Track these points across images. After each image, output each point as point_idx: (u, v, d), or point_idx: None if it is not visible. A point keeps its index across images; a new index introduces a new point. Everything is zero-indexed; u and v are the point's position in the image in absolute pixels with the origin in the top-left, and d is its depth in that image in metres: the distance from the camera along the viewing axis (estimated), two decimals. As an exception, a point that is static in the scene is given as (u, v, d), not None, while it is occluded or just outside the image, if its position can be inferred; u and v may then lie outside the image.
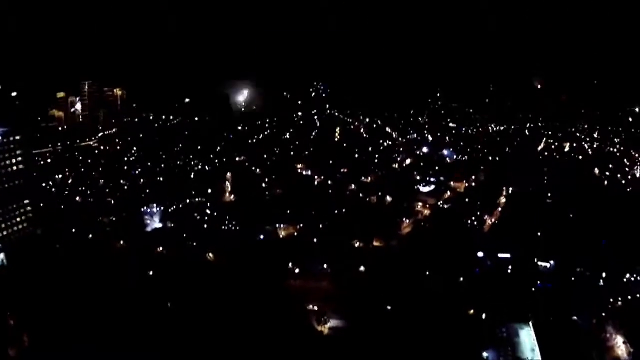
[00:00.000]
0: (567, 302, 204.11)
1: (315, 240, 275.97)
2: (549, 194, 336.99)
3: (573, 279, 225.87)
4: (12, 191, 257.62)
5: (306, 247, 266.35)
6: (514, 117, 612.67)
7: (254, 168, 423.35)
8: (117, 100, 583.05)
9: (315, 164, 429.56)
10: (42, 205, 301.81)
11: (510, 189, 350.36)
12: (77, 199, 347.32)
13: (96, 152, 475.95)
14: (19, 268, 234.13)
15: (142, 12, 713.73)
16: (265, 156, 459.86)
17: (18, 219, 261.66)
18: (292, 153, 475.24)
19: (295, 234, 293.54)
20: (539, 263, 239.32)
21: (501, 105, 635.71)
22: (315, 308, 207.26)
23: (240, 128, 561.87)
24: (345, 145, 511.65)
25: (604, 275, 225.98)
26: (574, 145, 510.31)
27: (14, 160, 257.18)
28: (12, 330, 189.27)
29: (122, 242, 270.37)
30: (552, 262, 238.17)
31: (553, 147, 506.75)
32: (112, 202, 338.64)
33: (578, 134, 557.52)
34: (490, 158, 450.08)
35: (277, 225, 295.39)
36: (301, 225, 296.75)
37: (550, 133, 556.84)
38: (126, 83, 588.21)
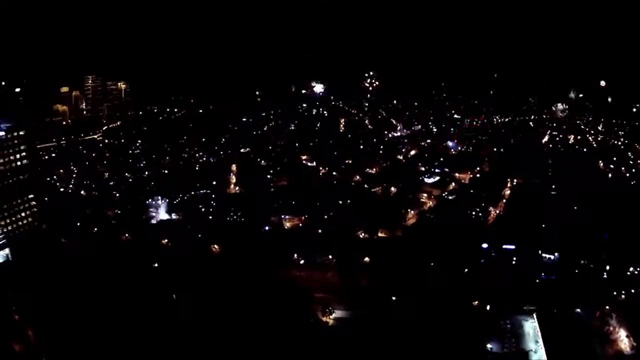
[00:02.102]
0: (571, 294, 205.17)
1: (320, 231, 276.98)
2: (553, 186, 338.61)
3: (576, 271, 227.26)
4: (17, 186, 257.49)
5: (311, 238, 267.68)
6: (519, 108, 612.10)
7: (258, 159, 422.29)
8: (120, 93, 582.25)
9: (319, 155, 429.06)
10: (46, 199, 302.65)
11: (515, 180, 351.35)
12: (82, 192, 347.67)
13: (100, 145, 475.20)
14: (24, 263, 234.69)
15: (145, 4, 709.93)
16: (270, 147, 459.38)
17: (23, 214, 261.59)
18: (296, 144, 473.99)
19: (300, 224, 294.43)
20: (543, 255, 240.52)
21: (506, 97, 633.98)
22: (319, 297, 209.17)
23: (245, 119, 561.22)
24: (349, 136, 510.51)
25: (607, 268, 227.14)
26: (578, 137, 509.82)
27: (18, 156, 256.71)
28: (17, 326, 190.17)
29: (127, 235, 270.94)
30: (556, 254, 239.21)
31: (557, 139, 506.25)
32: (117, 195, 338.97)
33: (582, 127, 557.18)
34: (495, 149, 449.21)
35: (282, 216, 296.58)
36: (306, 216, 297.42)
37: (554, 125, 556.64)
38: (129, 76, 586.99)
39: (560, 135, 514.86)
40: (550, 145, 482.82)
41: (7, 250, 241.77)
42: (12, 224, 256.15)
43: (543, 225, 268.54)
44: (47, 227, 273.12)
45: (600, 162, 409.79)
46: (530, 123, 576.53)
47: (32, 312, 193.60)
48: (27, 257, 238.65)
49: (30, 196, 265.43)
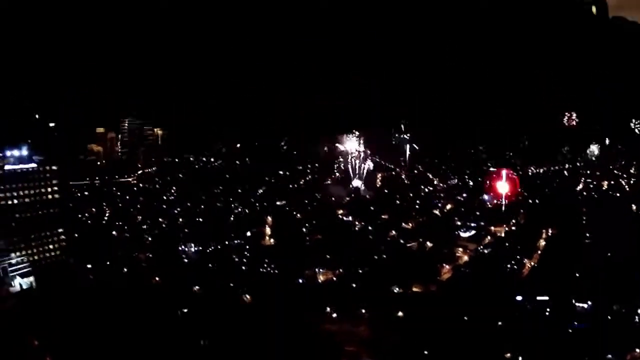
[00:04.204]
0: (603, 340, 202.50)
1: (353, 284, 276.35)
2: (587, 234, 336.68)
3: (609, 317, 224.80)
4: (46, 218, 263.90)
5: (344, 291, 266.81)
6: (553, 158, 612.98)
7: (294, 213, 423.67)
8: (156, 139, 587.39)
9: (356, 210, 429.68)
10: (76, 235, 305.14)
11: (550, 230, 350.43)
12: (113, 233, 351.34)
13: (134, 188, 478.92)
14: (48, 292, 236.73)
15: (186, 57, 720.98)
16: (306, 201, 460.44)
17: (50, 246, 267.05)
18: (332, 198, 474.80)
19: (334, 278, 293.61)
20: (577, 304, 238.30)
21: (540, 147, 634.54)
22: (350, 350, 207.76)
23: (281, 172, 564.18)
24: (386, 191, 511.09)
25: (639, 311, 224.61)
26: (612, 182, 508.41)
27: (49, 189, 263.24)
28: (35, 351, 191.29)
29: (157, 279, 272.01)
30: (589, 302, 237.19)
31: (591, 185, 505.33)
32: (149, 239, 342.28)
33: (615, 171, 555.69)
34: (530, 200, 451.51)
35: (316, 270, 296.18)
36: (340, 270, 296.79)
37: (588, 172, 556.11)
38: (166, 123, 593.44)
39: (594, 182, 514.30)
40: (585, 193, 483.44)
41: (31, 278, 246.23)
42: (39, 254, 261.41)
43: (577, 274, 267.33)
44: (75, 262, 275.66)
45: (633, 205, 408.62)
46: (565, 172, 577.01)
47: (51, 340, 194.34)
48: (52, 287, 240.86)
49: (60, 230, 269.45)
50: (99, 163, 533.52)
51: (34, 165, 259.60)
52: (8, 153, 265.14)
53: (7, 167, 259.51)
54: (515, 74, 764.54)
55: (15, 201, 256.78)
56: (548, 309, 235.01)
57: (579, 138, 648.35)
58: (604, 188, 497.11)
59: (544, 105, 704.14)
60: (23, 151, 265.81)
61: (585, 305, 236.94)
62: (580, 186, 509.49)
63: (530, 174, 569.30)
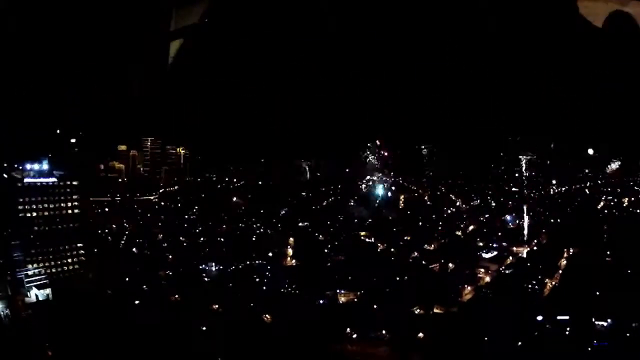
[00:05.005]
0: (623, 359, 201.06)
1: (375, 306, 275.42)
2: (608, 252, 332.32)
3: (629, 335, 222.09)
4: (65, 232, 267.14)
5: (365, 312, 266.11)
6: (575, 177, 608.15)
7: (316, 234, 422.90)
8: (179, 158, 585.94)
9: (378, 231, 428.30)
10: (96, 250, 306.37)
11: (571, 250, 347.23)
12: (134, 250, 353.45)
13: (156, 206, 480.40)
14: (64, 304, 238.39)
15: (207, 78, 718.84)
16: (328, 222, 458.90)
17: (69, 260, 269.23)
18: (355, 220, 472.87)
19: (355, 299, 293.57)
20: (596, 322, 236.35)
21: (562, 166, 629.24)
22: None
23: (304, 194, 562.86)
24: (408, 212, 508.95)
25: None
26: (632, 199, 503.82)
27: (69, 204, 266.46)
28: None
29: (177, 296, 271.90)
30: (609, 320, 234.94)
31: (612, 203, 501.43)
32: (170, 257, 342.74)
33: (636, 187, 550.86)
34: (552, 220, 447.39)
35: (337, 291, 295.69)
36: (362, 291, 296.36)
37: (609, 189, 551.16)
38: (189, 143, 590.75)
39: (615, 200, 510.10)
40: (605, 211, 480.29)
41: (48, 290, 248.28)
42: (57, 267, 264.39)
43: (597, 293, 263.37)
44: (93, 276, 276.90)
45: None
46: (586, 190, 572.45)
47: (65, 350, 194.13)
48: (68, 299, 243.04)
49: (79, 245, 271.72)
50: (120, 180, 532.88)
51: (54, 179, 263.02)
52: (28, 167, 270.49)
53: (27, 180, 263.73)
54: (538, 95, 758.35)
55: (34, 214, 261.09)
56: (568, 328, 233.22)
57: (600, 156, 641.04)
58: (624, 205, 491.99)
59: (566, 125, 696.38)
60: (44, 165, 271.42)
61: (605, 324, 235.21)
62: (601, 204, 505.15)
63: (551, 192, 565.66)
